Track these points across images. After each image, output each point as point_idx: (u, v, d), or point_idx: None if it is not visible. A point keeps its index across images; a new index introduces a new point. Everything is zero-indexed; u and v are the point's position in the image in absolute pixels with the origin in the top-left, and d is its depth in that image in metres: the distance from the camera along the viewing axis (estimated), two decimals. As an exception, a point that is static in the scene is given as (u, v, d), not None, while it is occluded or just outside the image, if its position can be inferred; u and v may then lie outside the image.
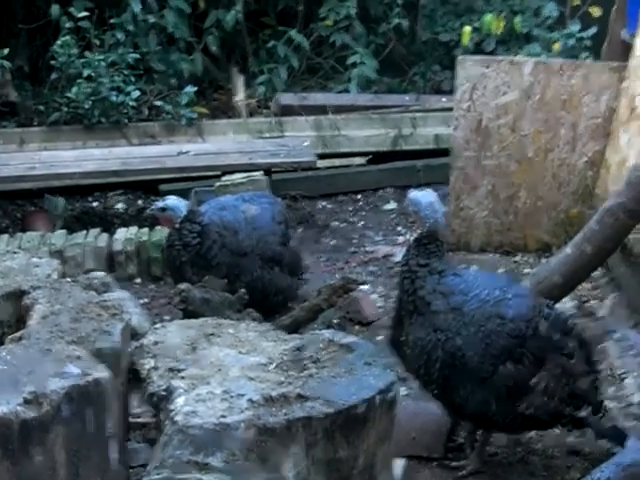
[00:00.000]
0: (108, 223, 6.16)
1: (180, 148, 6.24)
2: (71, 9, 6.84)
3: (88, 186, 6.60)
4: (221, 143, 6.51)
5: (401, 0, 7.48)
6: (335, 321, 4.81)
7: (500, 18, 7.49)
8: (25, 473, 2.73)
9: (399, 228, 6.25)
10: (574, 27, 7.38)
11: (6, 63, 6.77)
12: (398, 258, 5.68)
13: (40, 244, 5.43)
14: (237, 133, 6.79)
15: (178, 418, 2.73)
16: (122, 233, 5.53)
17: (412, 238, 3.57)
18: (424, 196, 3.50)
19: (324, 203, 6.63)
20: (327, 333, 3.27)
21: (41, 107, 6.97)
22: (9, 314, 3.44)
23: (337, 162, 6.75)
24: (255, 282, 4.39)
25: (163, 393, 2.91)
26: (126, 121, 6.72)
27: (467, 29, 7.42)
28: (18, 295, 3.42)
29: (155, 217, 4.76)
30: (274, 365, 3.05)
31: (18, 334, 3.19)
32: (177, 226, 4.40)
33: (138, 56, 6.89)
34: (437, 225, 3.47)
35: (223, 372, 2.98)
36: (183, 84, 7.03)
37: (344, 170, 6.81)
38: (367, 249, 5.90)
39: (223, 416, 2.71)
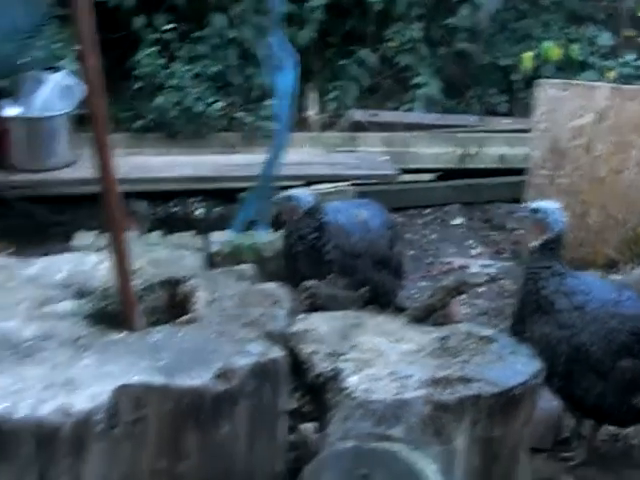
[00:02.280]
0: (191, 227, 6.40)
1: (263, 158, 6.47)
2: (156, 22, 7.15)
3: (169, 192, 6.84)
4: (301, 154, 6.74)
5: (466, 25, 7.80)
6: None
7: (559, 45, 7.82)
8: (211, 443, 2.93)
9: (469, 242, 6.52)
10: (629, 56, 7.72)
11: (94, 72, 7.03)
12: (473, 270, 6.00)
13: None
14: (312, 146, 7.04)
15: (357, 394, 2.99)
16: (217, 236, 5.80)
17: (534, 244, 3.85)
18: (550, 203, 3.82)
19: (395, 216, 6.88)
20: (464, 326, 3.57)
21: (123, 114, 7.22)
22: (163, 301, 3.71)
23: (407, 177, 7.00)
24: (367, 283, 4.61)
25: (331, 373, 3.16)
26: (208, 130, 7.00)
27: (528, 54, 7.74)
28: (172, 283, 3.69)
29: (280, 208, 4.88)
30: (427, 352, 3.31)
31: (185, 317, 3.45)
32: (297, 218, 4.57)
33: (220, 68, 7.18)
34: (563, 231, 3.78)
35: (384, 357, 3.24)
36: (258, 98, 7.32)
37: (413, 185, 7.06)
38: (443, 260, 6.18)
39: (399, 393, 2.98)
